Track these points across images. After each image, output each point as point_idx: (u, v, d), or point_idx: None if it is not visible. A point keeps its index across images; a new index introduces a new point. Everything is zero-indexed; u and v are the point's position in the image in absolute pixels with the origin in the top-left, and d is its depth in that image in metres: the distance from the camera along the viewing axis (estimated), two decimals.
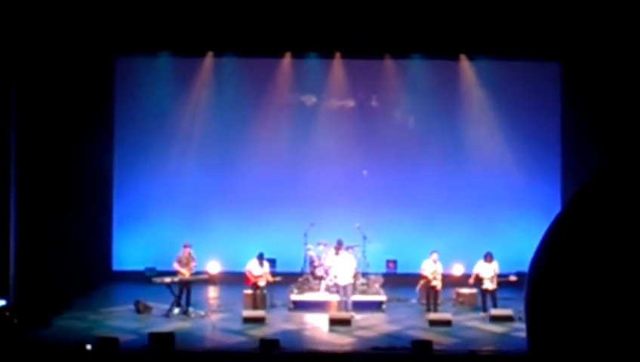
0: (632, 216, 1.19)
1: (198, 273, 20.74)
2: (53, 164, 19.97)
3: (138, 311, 19.82)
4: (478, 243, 21.55)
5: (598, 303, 1.16)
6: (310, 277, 21.15)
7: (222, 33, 21.50)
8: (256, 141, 23.53)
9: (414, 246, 22.04)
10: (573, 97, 22.48)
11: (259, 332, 18.18)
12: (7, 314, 17.47)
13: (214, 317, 19.65)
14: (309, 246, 21.78)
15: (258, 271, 20.17)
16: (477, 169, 23.49)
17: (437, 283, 20.14)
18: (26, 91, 18.84)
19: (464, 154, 23.65)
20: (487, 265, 20.13)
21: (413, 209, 23.29)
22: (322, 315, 19.51)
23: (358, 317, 19.53)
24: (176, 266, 20.10)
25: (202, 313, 19.87)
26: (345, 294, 19.91)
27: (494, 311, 19.55)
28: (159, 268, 21.37)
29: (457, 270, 21.70)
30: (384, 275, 21.60)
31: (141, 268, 22.44)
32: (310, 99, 24.17)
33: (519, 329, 18.12)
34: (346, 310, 19.72)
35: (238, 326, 18.81)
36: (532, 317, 1.26)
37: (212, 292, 22.10)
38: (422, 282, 20.40)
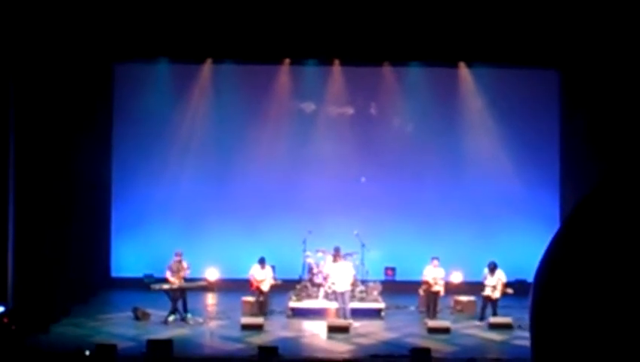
0: (635, 226, 1.19)
1: (196, 280, 20.76)
2: (51, 171, 19.93)
3: (136, 317, 19.81)
4: (477, 251, 21.59)
5: (604, 313, 1.17)
6: (309, 285, 21.14)
7: (221, 40, 21.50)
8: (254, 148, 23.53)
9: (413, 254, 22.04)
10: (571, 105, 22.50)
11: (257, 339, 18.19)
12: (5, 320, 17.45)
13: (213, 324, 19.64)
14: (308, 253, 21.77)
15: (260, 275, 20.19)
16: (475, 176, 23.50)
17: (439, 289, 20.17)
18: (24, 98, 18.81)
19: (463, 162, 23.66)
20: (491, 274, 19.99)
21: (411, 216, 23.30)
22: (321, 322, 19.51)
23: (356, 324, 19.51)
24: (167, 274, 20.12)
25: (201, 320, 19.87)
26: (343, 301, 19.90)
27: (493, 319, 19.52)
28: (157, 275, 21.31)
29: (456, 277, 21.69)
30: (383, 283, 21.59)
31: (139, 274, 22.44)
32: (309, 107, 24.17)
33: (518, 337, 18.12)
34: (345, 317, 19.70)
35: (236, 333, 18.79)
36: (537, 327, 1.26)
37: (210, 299, 22.09)
38: (424, 287, 20.41)
